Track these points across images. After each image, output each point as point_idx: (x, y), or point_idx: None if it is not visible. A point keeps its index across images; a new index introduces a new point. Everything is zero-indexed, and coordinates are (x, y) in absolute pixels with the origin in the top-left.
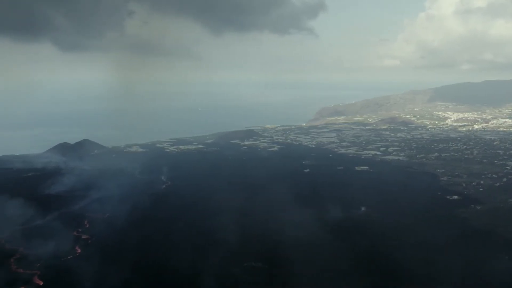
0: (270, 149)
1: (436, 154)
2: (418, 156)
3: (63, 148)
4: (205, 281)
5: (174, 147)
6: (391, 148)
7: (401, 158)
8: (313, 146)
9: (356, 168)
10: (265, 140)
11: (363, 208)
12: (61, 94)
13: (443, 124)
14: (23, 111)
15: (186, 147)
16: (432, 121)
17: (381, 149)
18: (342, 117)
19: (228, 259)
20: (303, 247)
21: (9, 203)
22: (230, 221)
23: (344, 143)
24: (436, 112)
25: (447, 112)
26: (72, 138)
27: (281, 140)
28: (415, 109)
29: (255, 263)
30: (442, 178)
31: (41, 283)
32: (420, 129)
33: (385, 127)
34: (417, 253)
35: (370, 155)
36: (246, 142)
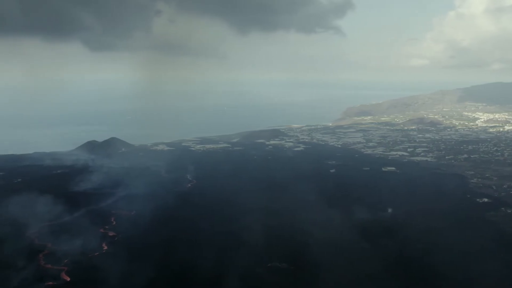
0: (295, 149)
1: (465, 155)
2: (446, 157)
3: (91, 146)
4: (228, 281)
5: (200, 146)
6: (419, 149)
7: (429, 159)
8: (339, 146)
9: (383, 169)
10: (291, 140)
11: (389, 210)
12: (90, 93)
13: (472, 125)
14: (53, 110)
15: (211, 146)
16: (462, 122)
17: (409, 149)
18: (369, 117)
19: (253, 259)
20: (328, 249)
21: (39, 199)
22: (255, 221)
23: (370, 144)
24: (466, 113)
25: (477, 113)
26: (100, 136)
27: (307, 140)
28: (444, 109)
29: (279, 264)
30: (472, 180)
31: (68, 279)
32: (449, 129)
33: (413, 127)
34: (449, 257)
35: (397, 156)
36: (272, 142)
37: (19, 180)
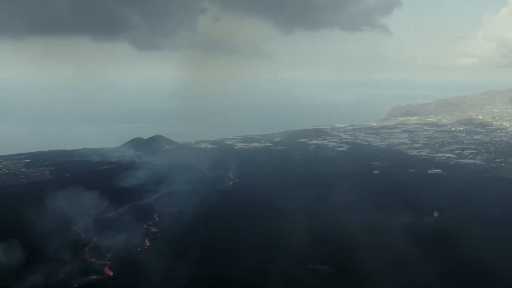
0: (338, 149)
1: None
2: (496, 160)
3: (137, 142)
4: (267, 281)
5: (242, 144)
6: (467, 151)
7: (477, 162)
8: (383, 146)
9: (429, 171)
10: (334, 140)
11: (435, 214)
12: (136, 91)
13: None
14: (101, 107)
15: (254, 144)
16: None
17: (456, 151)
18: (415, 118)
19: (293, 260)
20: (371, 252)
21: (85, 194)
22: (296, 221)
23: (416, 145)
24: None
25: None
26: (145, 133)
27: (350, 140)
28: (494, 110)
29: (320, 266)
30: None
31: (111, 274)
32: (499, 131)
33: (461, 128)
34: (502, 267)
35: (444, 157)
36: (314, 141)
37: (67, 175)
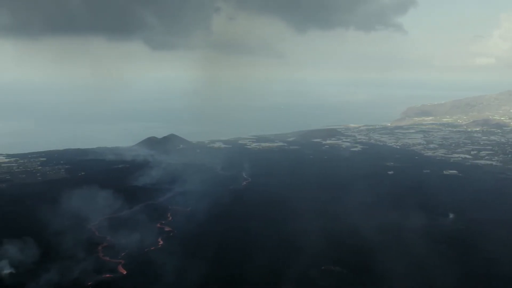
0: (352, 149)
1: None
2: None
3: (151, 142)
4: (279, 281)
5: (256, 144)
6: (483, 152)
7: (494, 163)
8: (398, 147)
9: (444, 172)
10: (348, 140)
11: (451, 215)
12: (150, 90)
13: None
14: (116, 107)
15: (267, 144)
16: None
17: (472, 152)
18: (430, 118)
19: (306, 260)
20: (385, 253)
21: (100, 193)
22: (309, 222)
23: (431, 145)
24: None
25: None
26: (160, 132)
27: (364, 140)
28: (511, 110)
29: (333, 267)
30: None
31: (125, 272)
32: None
33: (477, 129)
34: None
35: (460, 158)
36: (328, 141)
37: (82, 173)
